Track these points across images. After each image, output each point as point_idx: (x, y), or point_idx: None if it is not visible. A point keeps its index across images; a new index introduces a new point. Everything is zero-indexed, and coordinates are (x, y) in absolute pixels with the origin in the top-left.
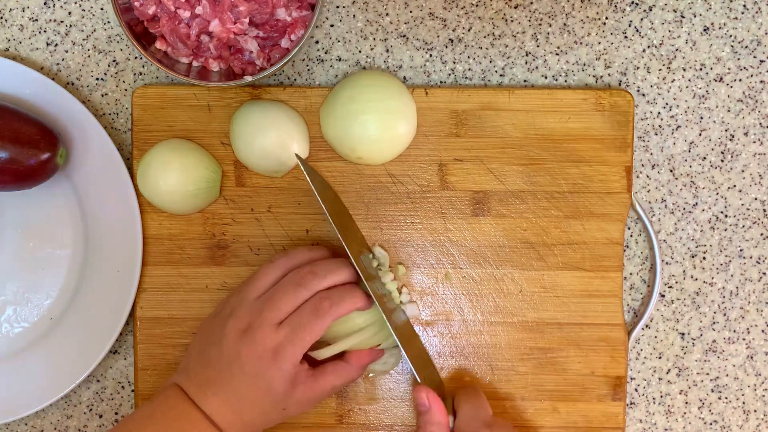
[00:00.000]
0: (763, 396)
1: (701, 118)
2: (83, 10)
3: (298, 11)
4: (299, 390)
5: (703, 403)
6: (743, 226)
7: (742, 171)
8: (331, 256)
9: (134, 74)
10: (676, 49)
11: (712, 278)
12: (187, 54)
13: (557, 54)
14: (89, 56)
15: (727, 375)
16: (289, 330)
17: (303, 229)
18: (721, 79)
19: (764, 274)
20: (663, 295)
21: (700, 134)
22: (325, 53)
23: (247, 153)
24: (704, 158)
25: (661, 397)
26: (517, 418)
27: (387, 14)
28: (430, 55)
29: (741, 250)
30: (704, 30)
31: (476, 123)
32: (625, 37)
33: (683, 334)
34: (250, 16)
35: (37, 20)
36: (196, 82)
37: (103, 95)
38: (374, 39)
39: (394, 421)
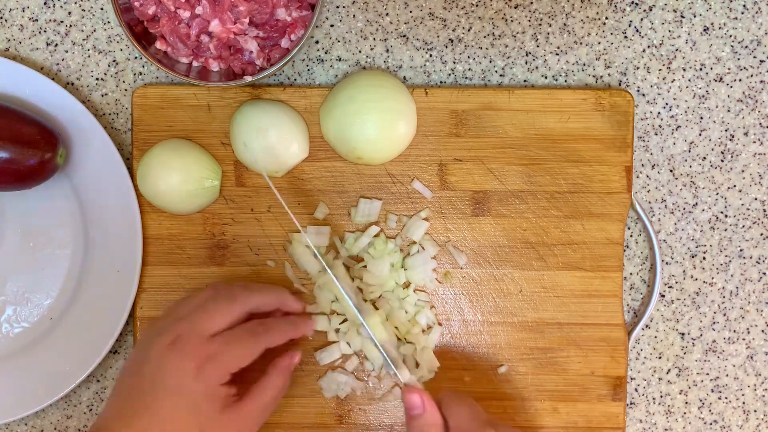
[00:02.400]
0: (763, 396)
1: (701, 118)
2: (83, 10)
3: (298, 11)
4: (228, 417)
5: (703, 403)
6: (743, 226)
7: (742, 171)
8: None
9: (134, 74)
10: (676, 49)
11: (712, 278)
12: (187, 54)
13: (557, 54)
14: (89, 56)
15: (727, 375)
16: (221, 342)
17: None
18: (721, 79)
19: (764, 274)
20: (663, 295)
21: (700, 134)
22: (325, 53)
23: (246, 153)
24: (704, 158)
25: (661, 397)
26: (517, 418)
27: (387, 14)
28: (430, 55)
29: (741, 250)
30: (704, 30)
31: (476, 123)
32: (625, 37)
33: (683, 334)
34: (250, 16)
35: (37, 20)
36: (196, 82)
37: (103, 95)
38: (374, 39)
39: (394, 421)
